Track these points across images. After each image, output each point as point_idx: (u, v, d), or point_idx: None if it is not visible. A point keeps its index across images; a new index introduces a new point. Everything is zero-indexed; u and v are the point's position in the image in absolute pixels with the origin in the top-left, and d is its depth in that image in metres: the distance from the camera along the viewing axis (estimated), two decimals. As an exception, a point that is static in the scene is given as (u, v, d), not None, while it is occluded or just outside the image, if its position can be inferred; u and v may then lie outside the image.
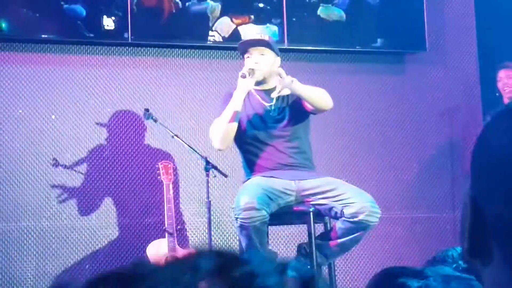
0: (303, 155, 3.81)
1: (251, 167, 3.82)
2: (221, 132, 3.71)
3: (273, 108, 3.80)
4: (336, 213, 3.56)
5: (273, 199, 3.59)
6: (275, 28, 4.93)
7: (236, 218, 3.50)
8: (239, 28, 4.86)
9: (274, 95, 3.73)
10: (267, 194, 3.56)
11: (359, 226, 3.50)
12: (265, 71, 3.76)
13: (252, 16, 4.90)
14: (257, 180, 3.67)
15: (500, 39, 5.33)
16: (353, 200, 3.49)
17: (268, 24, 4.92)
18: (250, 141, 3.81)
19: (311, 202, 3.63)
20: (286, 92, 3.71)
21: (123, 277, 0.65)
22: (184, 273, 0.64)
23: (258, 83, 3.80)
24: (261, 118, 3.80)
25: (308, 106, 3.76)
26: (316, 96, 3.73)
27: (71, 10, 4.51)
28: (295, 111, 3.80)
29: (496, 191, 0.74)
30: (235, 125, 3.71)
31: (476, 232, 0.78)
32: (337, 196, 3.55)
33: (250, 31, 4.83)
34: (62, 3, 4.50)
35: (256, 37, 4.24)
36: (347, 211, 3.48)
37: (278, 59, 3.87)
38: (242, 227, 3.49)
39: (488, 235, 0.77)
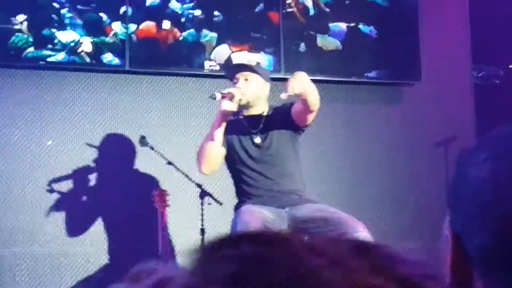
0: (291, 179, 3.77)
1: (241, 194, 3.83)
2: (202, 154, 3.73)
3: (259, 133, 3.80)
4: (329, 242, 3.52)
5: (267, 226, 3.57)
6: (269, 58, 4.95)
7: None
8: (232, 55, 4.88)
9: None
10: (262, 222, 3.54)
11: None
12: (248, 96, 3.72)
13: (248, 46, 4.93)
14: (249, 208, 3.65)
15: (495, 67, 5.36)
16: (346, 230, 3.46)
17: (262, 53, 4.94)
18: (238, 168, 3.81)
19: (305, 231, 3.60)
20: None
21: None
22: None
23: (244, 108, 3.79)
24: (247, 144, 3.79)
25: (300, 114, 3.62)
26: (315, 94, 3.50)
27: (67, 37, 4.54)
28: (281, 135, 3.78)
29: (478, 223, 0.75)
30: (215, 147, 3.70)
31: (459, 266, 0.78)
32: (330, 225, 3.52)
33: (241, 57, 4.85)
34: (54, 30, 4.52)
35: (242, 62, 4.22)
36: (341, 241, 3.45)
37: (267, 84, 3.83)
38: None
39: (471, 268, 0.77)
